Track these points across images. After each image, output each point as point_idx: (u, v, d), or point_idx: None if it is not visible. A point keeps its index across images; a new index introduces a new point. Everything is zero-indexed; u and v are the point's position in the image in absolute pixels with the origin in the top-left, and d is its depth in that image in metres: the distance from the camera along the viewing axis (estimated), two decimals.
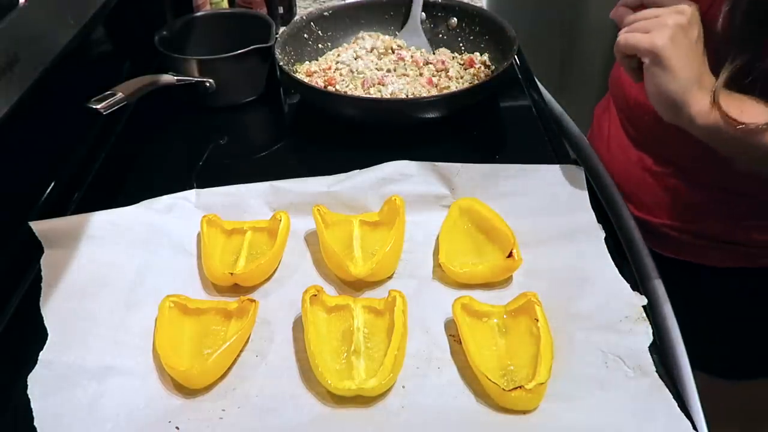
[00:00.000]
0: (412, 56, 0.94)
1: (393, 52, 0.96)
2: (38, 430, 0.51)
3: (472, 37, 0.99)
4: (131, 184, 0.81)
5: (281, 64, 0.89)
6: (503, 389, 0.52)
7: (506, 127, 0.92)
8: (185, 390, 0.56)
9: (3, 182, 0.69)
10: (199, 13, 1.03)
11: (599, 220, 0.68)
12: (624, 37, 0.63)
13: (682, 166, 0.80)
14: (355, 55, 0.95)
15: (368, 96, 0.88)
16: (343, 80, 0.92)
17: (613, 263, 0.63)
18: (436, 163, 0.74)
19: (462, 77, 0.92)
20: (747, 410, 0.93)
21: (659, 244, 0.83)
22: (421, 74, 0.92)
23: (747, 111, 0.60)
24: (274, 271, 0.67)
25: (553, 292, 0.62)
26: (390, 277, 0.66)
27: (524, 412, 0.53)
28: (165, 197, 0.71)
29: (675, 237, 0.84)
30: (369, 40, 0.99)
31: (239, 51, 0.89)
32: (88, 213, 0.67)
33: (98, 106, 0.71)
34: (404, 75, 0.91)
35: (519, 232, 0.67)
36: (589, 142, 0.91)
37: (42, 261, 0.63)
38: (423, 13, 1.01)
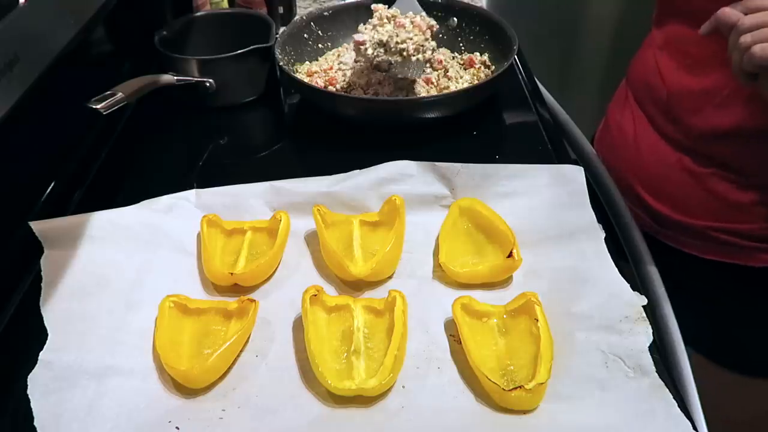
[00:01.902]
0: (411, 22, 0.87)
1: (390, 22, 0.88)
2: (38, 430, 0.51)
3: (472, 37, 0.99)
4: (131, 184, 0.81)
5: (281, 64, 0.89)
6: (503, 389, 0.52)
7: (506, 127, 0.92)
8: (185, 390, 0.56)
9: (3, 182, 0.69)
10: (199, 13, 1.03)
11: (599, 220, 0.68)
12: (762, 47, 0.58)
13: (731, 165, 0.77)
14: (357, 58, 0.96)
15: (368, 96, 0.88)
16: (344, 80, 0.92)
17: (613, 263, 0.63)
18: (436, 163, 0.74)
19: (462, 77, 0.92)
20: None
21: (700, 247, 0.81)
22: (427, 40, 0.86)
23: None
24: (274, 271, 0.67)
25: (553, 292, 0.62)
26: (390, 277, 0.66)
27: (524, 412, 0.53)
28: (165, 197, 0.71)
29: (720, 239, 0.81)
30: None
31: (239, 51, 0.89)
32: (88, 213, 0.67)
33: (98, 106, 0.71)
34: (405, 54, 0.86)
35: (519, 232, 0.67)
36: (597, 141, 0.90)
37: (42, 261, 0.63)
38: (423, 13, 1.01)
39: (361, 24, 0.88)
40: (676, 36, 0.81)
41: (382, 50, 0.84)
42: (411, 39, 0.84)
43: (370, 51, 0.84)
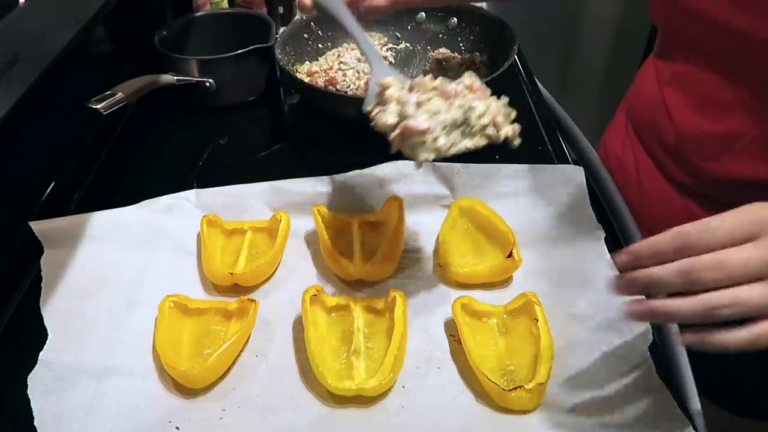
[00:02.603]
0: (465, 85, 0.58)
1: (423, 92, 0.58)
2: (38, 430, 0.51)
3: (472, 37, 0.99)
4: (131, 184, 0.81)
5: (281, 64, 0.89)
6: (503, 389, 0.52)
7: None
8: (185, 390, 0.56)
9: (3, 182, 0.69)
10: (199, 13, 1.03)
11: (599, 220, 0.68)
12: (705, 302, 0.41)
13: None
14: (359, 58, 0.96)
15: None
16: (345, 80, 0.92)
17: (613, 263, 0.63)
18: (436, 163, 0.74)
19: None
20: None
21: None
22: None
23: None
24: (274, 271, 0.67)
25: (553, 292, 0.62)
26: (390, 277, 0.66)
27: (524, 412, 0.53)
28: (165, 197, 0.71)
29: None
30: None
31: (239, 51, 0.89)
32: (88, 213, 0.67)
33: (98, 106, 0.70)
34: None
35: (519, 232, 0.67)
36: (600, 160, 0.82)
37: (42, 261, 0.63)
38: (423, 13, 1.01)
39: (372, 107, 0.58)
40: (686, 74, 0.70)
41: (458, 134, 0.55)
42: (488, 108, 0.56)
43: (442, 141, 0.54)
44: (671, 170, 0.73)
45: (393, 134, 0.54)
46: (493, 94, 0.57)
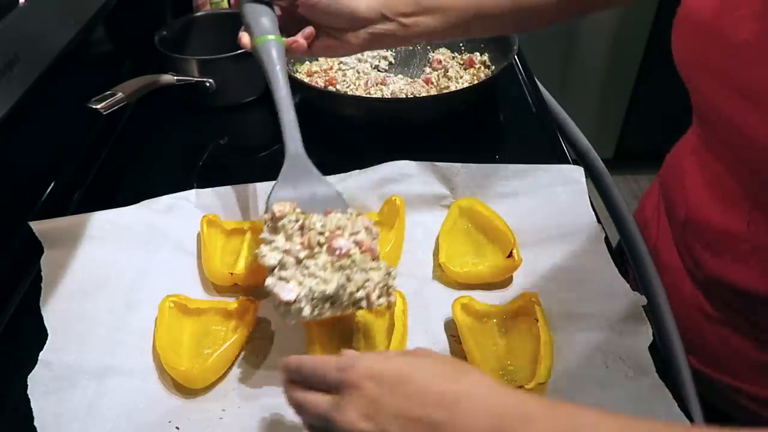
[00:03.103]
0: (356, 242, 0.55)
1: (315, 247, 0.55)
2: (38, 430, 0.51)
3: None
4: (131, 184, 0.81)
5: None
6: None
7: (506, 127, 0.92)
8: (185, 390, 0.55)
9: (3, 182, 0.69)
10: (199, 13, 1.03)
11: (599, 221, 0.68)
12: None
13: (750, 319, 0.61)
14: (359, 58, 0.96)
15: (368, 96, 0.88)
16: (344, 80, 0.92)
17: (613, 263, 0.63)
18: (436, 163, 0.74)
19: (462, 77, 0.92)
20: None
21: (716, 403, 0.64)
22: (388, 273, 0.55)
23: None
24: None
25: (553, 292, 0.62)
26: None
27: None
28: (165, 197, 0.71)
29: (740, 403, 0.64)
30: None
31: (239, 51, 0.88)
32: (88, 213, 0.67)
33: (98, 106, 0.71)
34: None
35: (519, 232, 0.67)
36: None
37: (42, 261, 0.63)
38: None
39: (264, 247, 0.55)
40: (705, 145, 0.64)
41: (326, 305, 0.53)
42: (371, 278, 0.53)
43: (307, 311, 0.52)
44: (681, 250, 0.67)
45: (267, 282, 0.53)
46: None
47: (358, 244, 0.54)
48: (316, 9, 0.62)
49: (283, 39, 0.64)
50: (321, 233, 0.55)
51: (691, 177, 0.66)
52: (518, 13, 0.66)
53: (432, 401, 0.38)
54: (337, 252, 0.53)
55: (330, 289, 0.52)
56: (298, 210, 0.57)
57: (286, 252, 0.54)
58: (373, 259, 0.55)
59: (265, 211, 0.58)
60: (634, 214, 0.78)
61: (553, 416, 0.37)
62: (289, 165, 0.62)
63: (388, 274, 0.54)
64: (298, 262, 0.53)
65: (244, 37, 0.65)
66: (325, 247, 0.54)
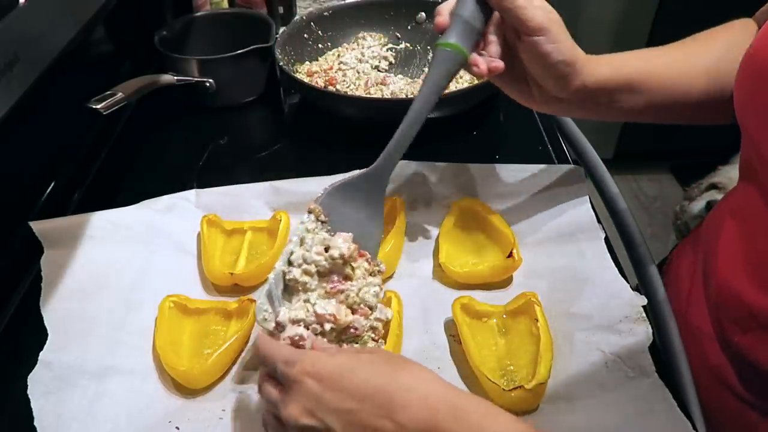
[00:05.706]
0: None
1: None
2: (38, 430, 0.51)
3: None
4: (131, 184, 0.81)
5: (281, 64, 0.89)
6: (503, 389, 0.52)
7: (506, 127, 0.92)
8: (185, 390, 0.56)
9: (3, 182, 0.69)
10: (199, 13, 1.03)
11: (599, 221, 0.68)
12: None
13: None
14: (359, 58, 0.96)
15: (368, 96, 0.88)
16: (345, 80, 0.92)
17: (613, 263, 0.63)
18: (437, 163, 0.74)
19: (462, 77, 0.92)
20: None
21: None
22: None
23: None
24: None
25: (553, 292, 0.62)
26: (390, 277, 0.66)
27: (524, 412, 0.53)
28: (165, 197, 0.71)
29: None
30: (370, 40, 0.99)
31: (239, 51, 0.89)
32: (88, 213, 0.67)
33: (98, 106, 0.71)
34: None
35: (519, 232, 0.67)
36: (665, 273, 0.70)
37: (42, 261, 0.63)
38: (423, 13, 1.01)
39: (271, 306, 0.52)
40: (749, 208, 0.56)
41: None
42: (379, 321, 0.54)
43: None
44: (710, 311, 0.60)
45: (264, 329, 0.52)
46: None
47: (373, 330, 0.54)
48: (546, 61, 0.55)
49: (469, 54, 0.55)
50: (336, 259, 0.53)
51: (727, 241, 0.58)
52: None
53: (369, 396, 0.40)
54: (352, 330, 0.52)
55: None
56: (319, 224, 0.55)
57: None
58: (379, 339, 0.55)
59: (315, 201, 0.56)
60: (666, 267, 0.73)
61: (485, 412, 0.40)
62: (364, 174, 0.59)
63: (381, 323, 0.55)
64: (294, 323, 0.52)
65: (443, 15, 0.55)
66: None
